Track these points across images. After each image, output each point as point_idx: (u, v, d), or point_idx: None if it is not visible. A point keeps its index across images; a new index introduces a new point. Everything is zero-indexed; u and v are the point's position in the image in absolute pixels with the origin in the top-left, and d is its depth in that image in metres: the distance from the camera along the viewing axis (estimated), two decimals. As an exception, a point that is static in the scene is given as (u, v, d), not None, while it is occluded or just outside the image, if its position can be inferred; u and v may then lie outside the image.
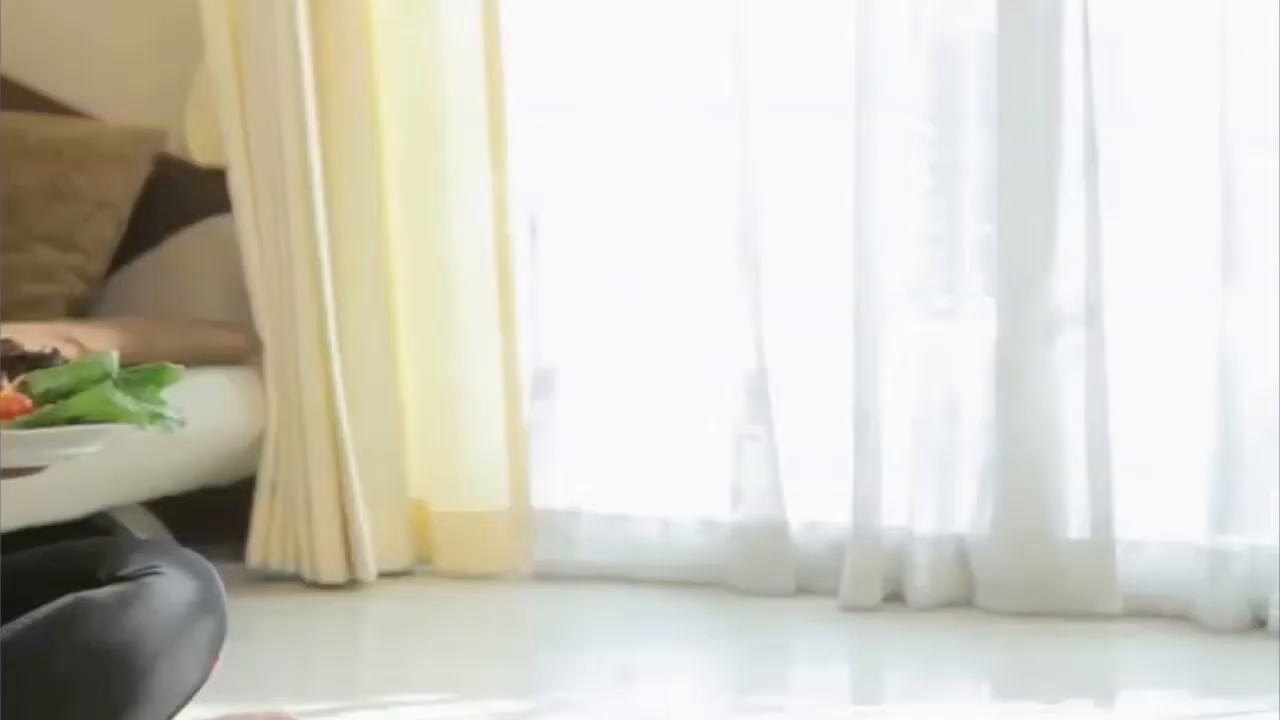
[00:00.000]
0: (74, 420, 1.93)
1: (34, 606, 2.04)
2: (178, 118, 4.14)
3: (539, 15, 3.94)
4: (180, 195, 4.11)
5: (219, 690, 2.18)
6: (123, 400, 1.94)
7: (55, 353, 2.03)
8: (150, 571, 2.09)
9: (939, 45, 3.65)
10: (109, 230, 4.03)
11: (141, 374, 2.00)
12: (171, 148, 4.13)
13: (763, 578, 3.79)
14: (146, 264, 4.11)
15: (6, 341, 2.02)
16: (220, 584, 2.17)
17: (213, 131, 4.02)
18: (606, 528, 3.97)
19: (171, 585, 2.10)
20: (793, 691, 3.31)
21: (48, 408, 1.93)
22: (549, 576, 3.96)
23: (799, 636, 3.61)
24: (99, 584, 2.07)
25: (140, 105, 4.25)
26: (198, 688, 2.12)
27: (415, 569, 4.04)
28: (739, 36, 3.75)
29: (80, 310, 4.00)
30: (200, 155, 4.11)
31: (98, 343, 3.59)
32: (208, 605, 2.13)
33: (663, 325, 3.95)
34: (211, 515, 4.06)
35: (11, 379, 1.98)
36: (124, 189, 4.04)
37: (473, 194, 3.95)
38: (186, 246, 4.11)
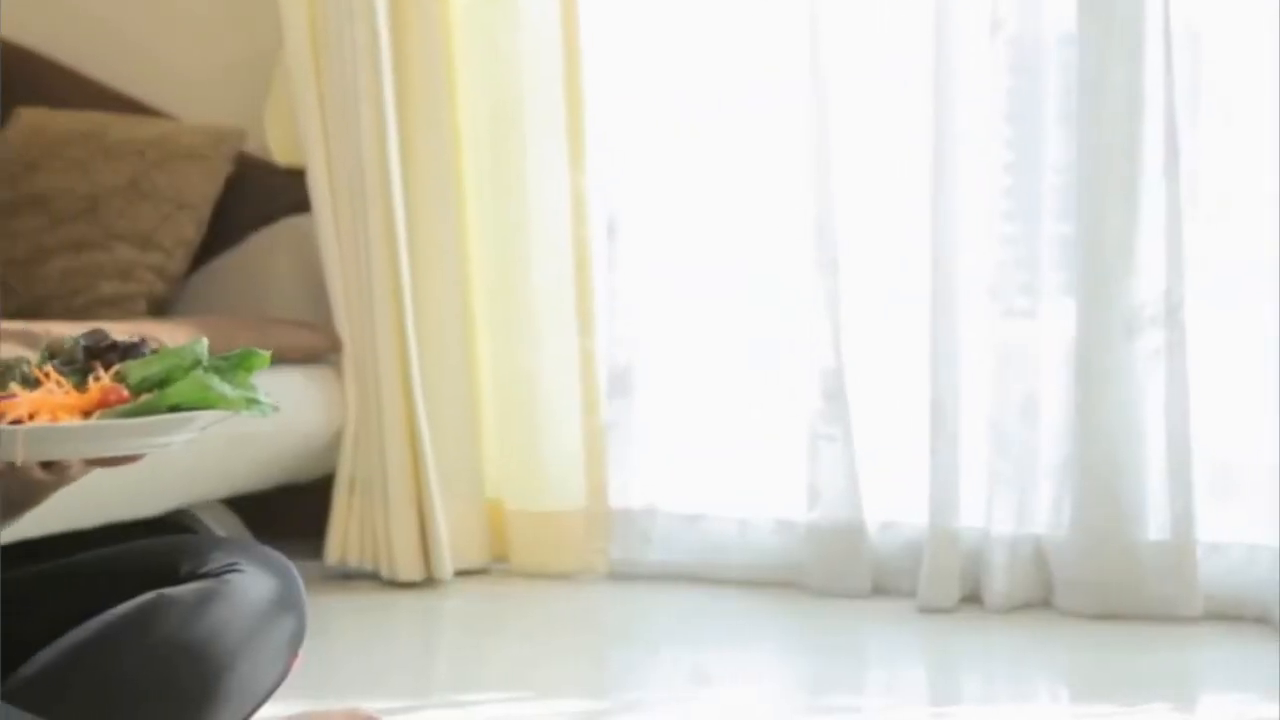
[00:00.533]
0: (173, 408, 1.94)
1: (117, 603, 2.05)
2: (258, 117, 4.17)
3: (618, 14, 3.94)
4: (260, 195, 4.13)
5: (297, 688, 2.18)
6: (220, 387, 1.96)
7: (143, 341, 2.04)
8: (231, 569, 2.11)
9: (1018, 44, 3.63)
10: (189, 229, 4.05)
11: (231, 360, 2.02)
12: (251, 147, 4.15)
13: (839, 578, 3.79)
14: (226, 263, 4.13)
15: (96, 331, 2.04)
16: (300, 582, 2.18)
17: (292, 131, 4.04)
18: (683, 527, 3.97)
19: (252, 583, 2.11)
20: (868, 693, 3.30)
21: (146, 397, 1.95)
22: (625, 576, 3.97)
23: (875, 637, 3.60)
24: (180, 581, 2.09)
25: (220, 105, 4.28)
26: (277, 685, 2.13)
27: (491, 567, 4.06)
28: (816, 35, 3.74)
29: (160, 309, 4.02)
30: (280, 155, 4.14)
31: (178, 341, 3.61)
32: (287, 603, 2.14)
33: (740, 324, 3.95)
34: (290, 513, 4.08)
35: (104, 368, 1.99)
36: (204, 188, 4.07)
37: (551, 194, 3.96)
38: (266, 246, 4.13)
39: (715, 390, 3.96)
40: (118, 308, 3.95)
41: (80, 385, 1.97)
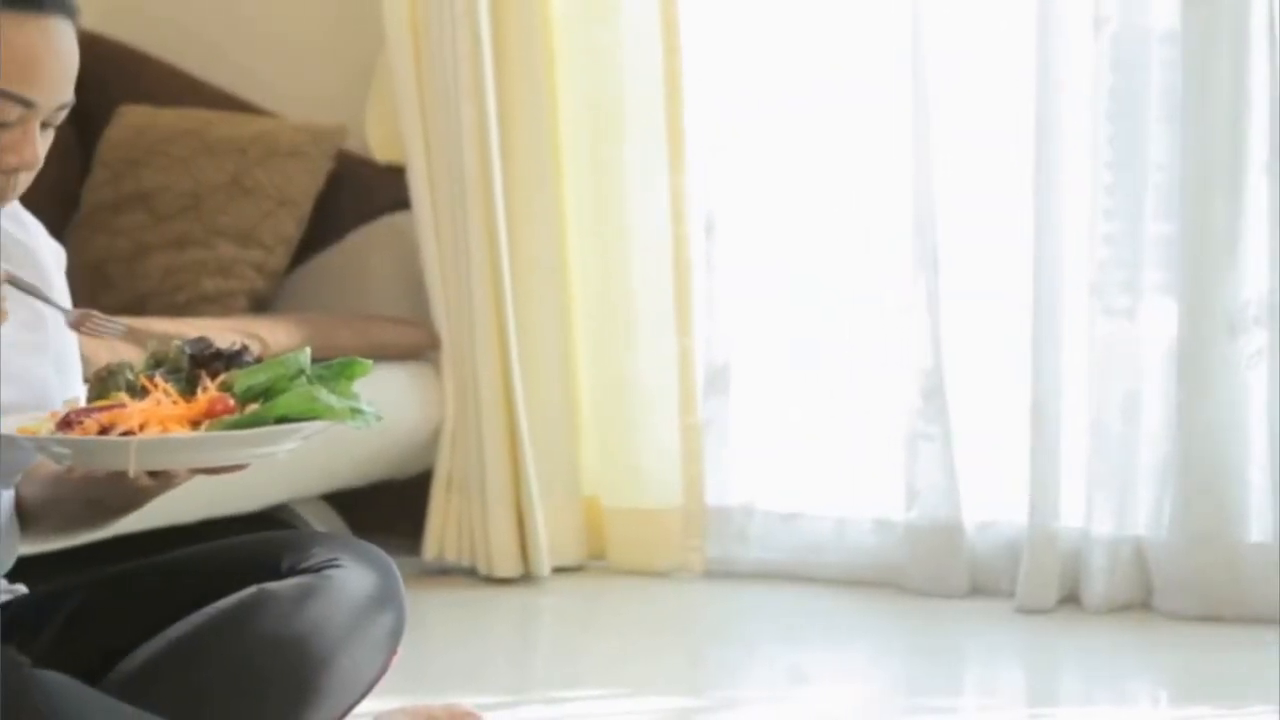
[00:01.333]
0: (280, 419, 1.96)
1: (219, 597, 2.07)
2: (359, 115, 4.19)
3: (717, 13, 3.94)
4: (360, 192, 4.15)
5: (395, 683, 2.19)
6: (326, 398, 1.97)
7: (245, 348, 2.06)
8: (331, 564, 2.12)
9: (1121, 41, 3.60)
10: (290, 226, 4.08)
11: (333, 369, 2.03)
12: (352, 145, 4.17)
13: (937, 578, 3.77)
14: (327, 260, 4.15)
15: (201, 339, 2.05)
16: (399, 578, 2.19)
17: (393, 129, 4.06)
18: (779, 525, 3.97)
19: (352, 578, 2.12)
20: (965, 693, 3.28)
21: (254, 407, 1.97)
22: (721, 574, 3.96)
23: (973, 638, 3.58)
24: (281, 576, 2.10)
25: (322, 102, 4.30)
26: (376, 680, 2.14)
27: (588, 565, 4.06)
28: (918, 32, 3.73)
29: (261, 305, 4.05)
30: (380, 152, 4.15)
31: (279, 338, 3.64)
32: (387, 599, 2.15)
33: (838, 323, 3.94)
34: (388, 509, 4.10)
35: (209, 377, 2.01)
36: (305, 185, 4.09)
37: (650, 192, 3.96)
38: (366, 243, 4.15)
39: (813, 388, 3.95)
40: (219, 304, 3.97)
41: (186, 394, 1.99)
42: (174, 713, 1.96)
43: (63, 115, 2.02)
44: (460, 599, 3.84)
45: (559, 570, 3.99)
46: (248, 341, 3.50)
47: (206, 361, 2.03)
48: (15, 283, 1.97)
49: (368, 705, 2.17)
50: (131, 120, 4.20)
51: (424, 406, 3.97)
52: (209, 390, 1.98)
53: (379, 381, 3.86)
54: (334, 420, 1.98)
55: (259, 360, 2.04)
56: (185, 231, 4.05)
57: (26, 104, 1.97)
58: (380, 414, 2.02)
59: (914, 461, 3.80)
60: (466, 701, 2.44)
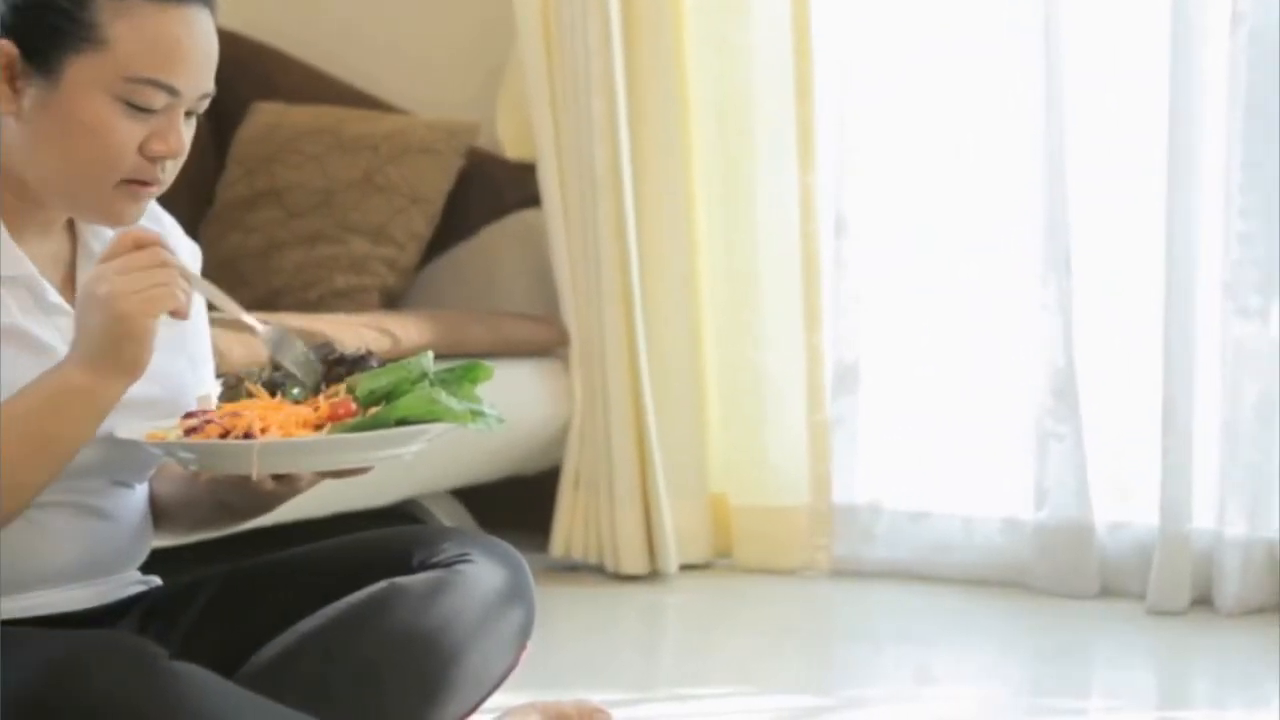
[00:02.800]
0: (400, 421, 1.97)
1: (350, 592, 2.08)
2: (490, 112, 4.21)
3: (849, 10, 3.92)
4: (491, 189, 4.17)
5: (524, 678, 2.20)
6: (446, 401, 1.98)
7: (369, 354, 2.08)
8: (462, 560, 2.13)
9: (1259, 38, 3.56)
10: (421, 223, 4.10)
11: (456, 372, 2.04)
12: (483, 142, 4.19)
13: (1066, 579, 3.74)
14: (457, 256, 4.18)
15: (325, 345, 2.07)
16: (529, 574, 2.20)
17: (524, 126, 4.08)
18: (907, 524, 3.95)
19: (482, 574, 2.13)
20: (1095, 695, 3.26)
21: (375, 410, 1.98)
22: (847, 572, 3.96)
23: (1102, 639, 3.55)
24: (412, 571, 2.11)
25: (454, 100, 4.33)
26: (506, 675, 2.15)
27: (714, 562, 4.07)
28: (1050, 31, 3.70)
29: (392, 302, 4.07)
30: (511, 149, 4.18)
31: (410, 334, 3.67)
32: (517, 594, 2.16)
33: (968, 322, 3.92)
34: (515, 505, 4.12)
35: (333, 382, 2.03)
36: (437, 182, 4.11)
37: (780, 190, 3.95)
38: (496, 239, 4.17)
39: (942, 387, 3.94)
40: (351, 300, 4.01)
41: (310, 398, 2.01)
42: (305, 706, 1.98)
43: (204, 105, 2.05)
44: (587, 596, 3.85)
45: (686, 568, 3.99)
46: (374, 338, 3.56)
47: (330, 366, 2.05)
48: (201, 289, 1.99)
49: (497, 700, 2.18)
50: (265, 118, 4.24)
51: (552, 403, 3.98)
52: (332, 394, 2.00)
53: (508, 378, 3.89)
54: (454, 423, 1.99)
55: (383, 364, 2.05)
56: (318, 228, 4.08)
57: (172, 91, 2.00)
58: (502, 416, 2.03)
59: (1044, 461, 3.77)
60: (595, 697, 2.45)
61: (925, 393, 3.95)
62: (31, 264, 2.05)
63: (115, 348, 1.92)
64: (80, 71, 1.98)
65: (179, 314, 1.96)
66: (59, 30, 1.98)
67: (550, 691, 2.48)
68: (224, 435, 1.96)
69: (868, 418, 3.97)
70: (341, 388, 2.02)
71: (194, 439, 1.97)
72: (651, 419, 3.92)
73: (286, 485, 2.05)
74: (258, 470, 1.93)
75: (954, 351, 3.93)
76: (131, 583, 2.17)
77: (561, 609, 3.67)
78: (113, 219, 2.05)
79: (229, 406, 2.01)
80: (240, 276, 4.06)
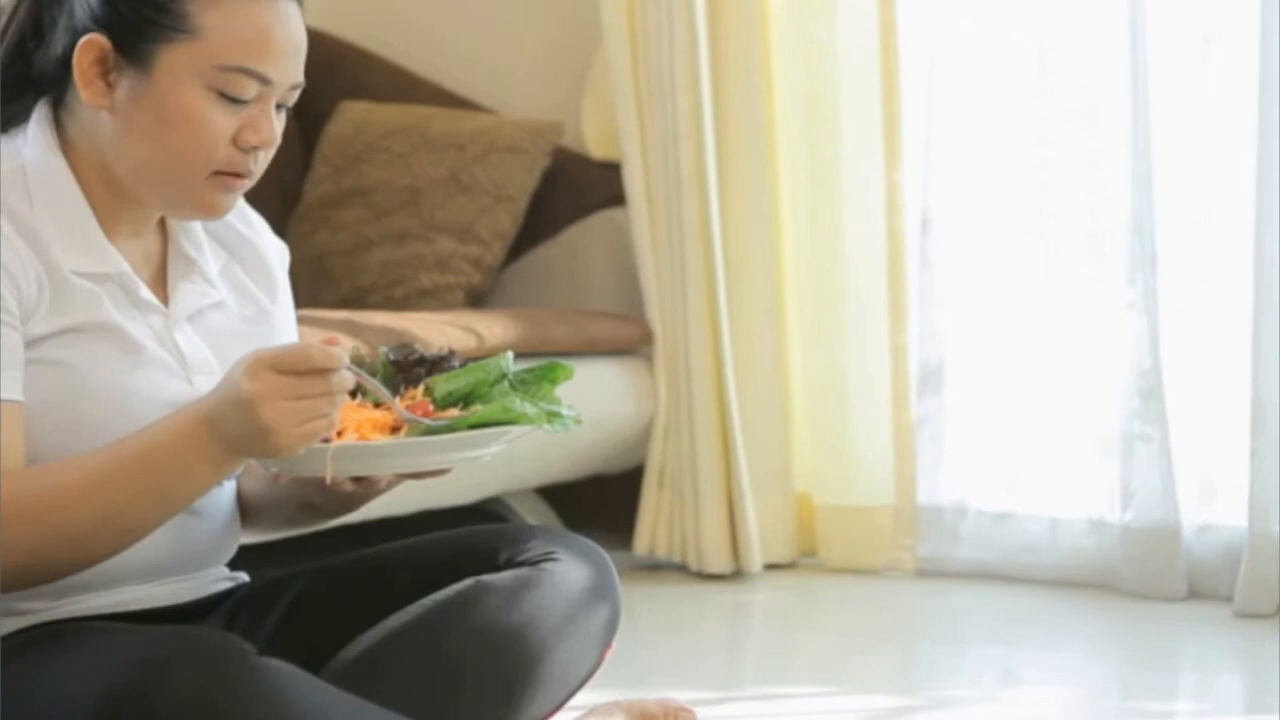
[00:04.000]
0: (475, 425, 1.97)
1: (436, 588, 2.09)
2: (575, 112, 4.22)
3: (935, 8, 3.91)
4: (576, 188, 4.18)
5: (608, 676, 2.21)
6: (521, 406, 1.98)
7: (451, 354, 2.08)
8: (548, 558, 2.13)
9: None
10: (506, 222, 4.11)
11: (536, 373, 2.04)
12: (568, 141, 4.20)
13: (1153, 581, 3.72)
14: (542, 255, 4.19)
15: (405, 345, 2.08)
16: (614, 572, 2.20)
17: (609, 126, 4.09)
18: (992, 525, 3.94)
19: (568, 572, 2.14)
20: (1180, 699, 3.24)
21: (451, 414, 1.99)
22: (932, 573, 3.95)
23: (1189, 642, 3.53)
24: (498, 568, 2.12)
25: (538, 99, 4.34)
26: (591, 674, 2.16)
27: (799, 562, 4.06)
28: (1136, 28, 3.67)
29: (477, 300, 4.09)
30: (596, 148, 4.18)
31: (494, 332, 3.68)
32: (602, 593, 2.16)
33: (1054, 321, 3.90)
34: (599, 503, 4.13)
35: (411, 384, 2.03)
36: (522, 181, 4.12)
37: (866, 188, 3.95)
38: (581, 238, 4.18)
39: (1027, 387, 3.92)
40: (436, 299, 4.02)
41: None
42: (391, 703, 1.99)
43: (295, 96, 2.06)
44: (671, 594, 3.85)
45: (769, 567, 3.99)
46: (459, 336, 3.57)
47: (409, 367, 2.05)
48: (357, 367, 2.00)
49: (582, 699, 2.19)
50: (352, 116, 4.27)
51: (636, 401, 3.99)
52: (409, 396, 2.01)
53: (591, 376, 3.91)
54: (529, 425, 1.99)
55: (464, 364, 2.05)
56: (404, 226, 4.10)
57: (263, 80, 2.01)
58: (579, 417, 2.02)
59: (1130, 462, 3.75)
60: (679, 697, 2.45)
61: (1010, 392, 3.93)
62: (125, 261, 2.06)
63: (256, 452, 1.91)
64: (172, 62, 1.99)
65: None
66: (151, 21, 1.99)
67: (634, 690, 2.49)
68: None
69: (953, 417, 3.96)
70: (420, 390, 2.03)
71: None
72: (736, 417, 3.92)
73: (366, 486, 2.06)
74: (332, 473, 1.94)
75: (1040, 351, 3.91)
76: (219, 579, 2.19)
77: (645, 608, 3.67)
78: (205, 211, 2.06)
79: None
80: (327, 274, 4.08)
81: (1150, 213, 3.70)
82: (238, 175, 2.04)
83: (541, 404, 2.02)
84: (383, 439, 1.97)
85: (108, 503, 1.91)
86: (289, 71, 2.03)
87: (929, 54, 3.91)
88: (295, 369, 1.88)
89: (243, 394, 1.87)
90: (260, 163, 2.05)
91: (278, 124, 2.04)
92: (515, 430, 1.99)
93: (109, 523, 1.92)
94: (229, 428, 1.89)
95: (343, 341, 1.93)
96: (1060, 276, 3.91)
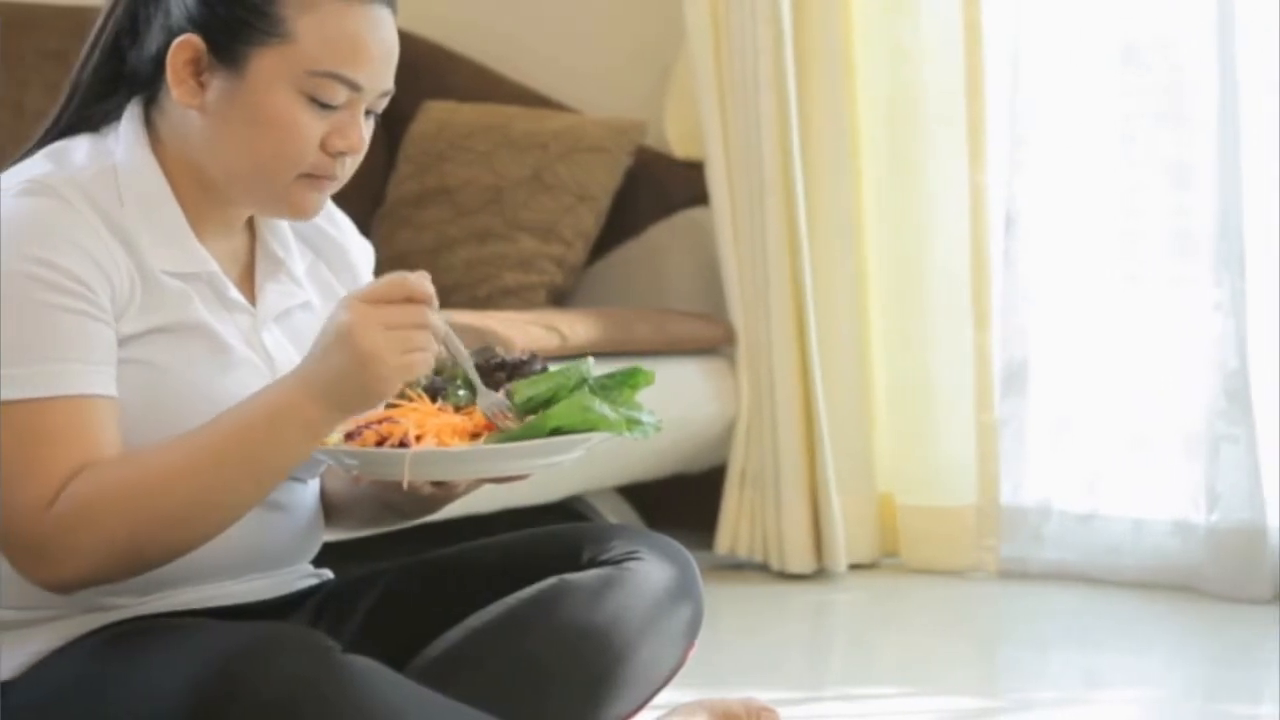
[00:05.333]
0: (555, 431, 1.97)
1: (519, 587, 2.09)
2: (658, 111, 4.22)
3: (1021, 6, 3.89)
4: (659, 187, 4.18)
5: (690, 676, 2.21)
6: (601, 410, 1.98)
7: (533, 358, 2.08)
8: (631, 557, 2.13)
9: None
10: (589, 221, 4.12)
11: (617, 378, 2.04)
12: (651, 141, 4.21)
13: (1238, 583, 3.70)
14: (624, 254, 4.19)
15: (486, 349, 2.08)
16: (697, 572, 2.20)
17: (692, 125, 4.09)
18: (1076, 526, 3.92)
19: (651, 571, 2.14)
20: (1266, 702, 3.21)
21: (530, 420, 1.99)
22: (1015, 574, 3.93)
23: (1274, 645, 3.49)
24: (581, 567, 2.12)
25: (621, 98, 4.34)
26: (674, 673, 2.16)
27: (881, 562, 4.05)
28: (1223, 27, 3.66)
29: (560, 299, 4.09)
30: (679, 147, 4.19)
31: (576, 331, 3.69)
32: (684, 592, 2.16)
33: (1139, 322, 3.87)
34: (681, 502, 4.13)
35: (493, 388, 2.03)
36: (605, 181, 4.13)
37: (950, 189, 3.93)
38: (664, 237, 4.18)
39: (1112, 387, 3.90)
40: (518, 298, 4.03)
41: (470, 403, 2.01)
42: (474, 701, 1.99)
43: (384, 103, 2.07)
44: (753, 594, 3.85)
45: (852, 567, 3.98)
46: (541, 335, 3.58)
47: (490, 371, 2.05)
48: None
49: (664, 698, 2.19)
50: (436, 116, 4.28)
51: (719, 401, 3.99)
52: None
53: (674, 376, 3.91)
54: (609, 432, 1.99)
55: (545, 368, 2.05)
56: (487, 226, 4.11)
57: (353, 87, 2.02)
58: (660, 424, 2.02)
59: (1216, 463, 3.73)
60: (761, 697, 2.45)
61: (1095, 393, 3.91)
62: (214, 261, 2.07)
63: (355, 395, 1.90)
64: (265, 65, 2.00)
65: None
66: (246, 24, 2.00)
67: (716, 690, 2.48)
68: (380, 442, 1.97)
69: (1037, 417, 3.94)
70: (501, 395, 2.03)
71: (351, 445, 1.98)
72: (818, 417, 3.92)
73: (445, 490, 2.07)
74: (409, 478, 1.94)
75: (1124, 352, 3.88)
76: (303, 576, 2.20)
77: (727, 607, 3.67)
78: (294, 211, 2.07)
79: (390, 411, 2.02)
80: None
81: (1238, 213, 3.68)
82: (325, 179, 2.05)
83: (622, 410, 2.01)
84: (460, 445, 1.97)
85: (205, 480, 1.91)
86: (380, 78, 2.04)
87: (1013, 53, 3.90)
88: (390, 297, 1.89)
89: (340, 327, 1.88)
90: (348, 168, 2.06)
91: (366, 131, 2.05)
92: (595, 437, 1.99)
93: (207, 501, 1.93)
94: (327, 375, 1.89)
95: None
96: (1146, 276, 3.88)
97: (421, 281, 1.92)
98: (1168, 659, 3.45)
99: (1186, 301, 3.80)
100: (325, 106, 2.01)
